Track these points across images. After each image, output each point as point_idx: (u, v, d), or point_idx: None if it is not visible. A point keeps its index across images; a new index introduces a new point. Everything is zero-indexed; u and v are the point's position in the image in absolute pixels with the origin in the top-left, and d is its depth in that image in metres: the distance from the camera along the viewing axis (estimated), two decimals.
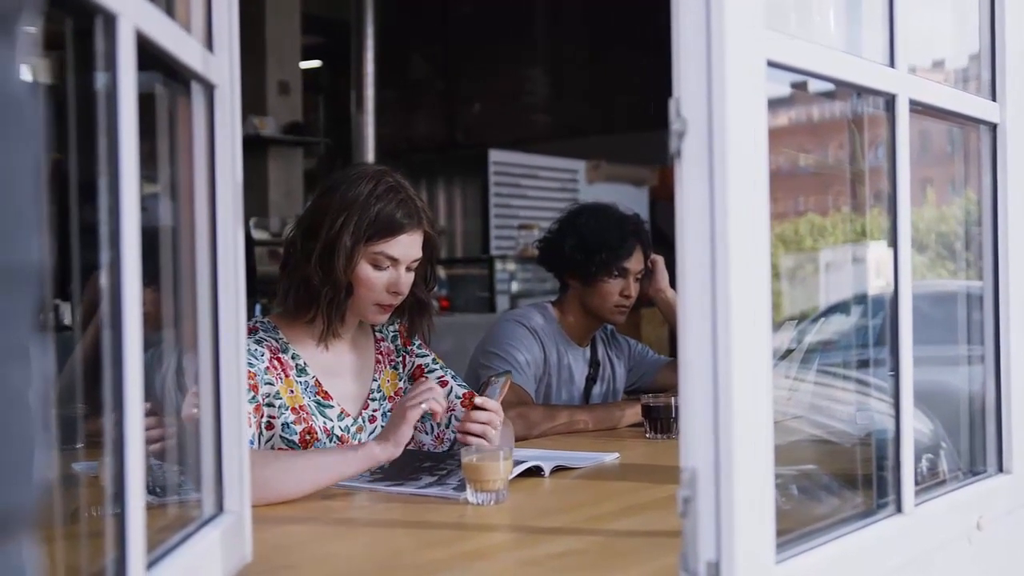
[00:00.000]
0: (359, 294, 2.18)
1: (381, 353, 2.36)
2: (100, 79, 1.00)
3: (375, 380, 2.32)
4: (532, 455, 2.14)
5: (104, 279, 0.99)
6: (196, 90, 1.32)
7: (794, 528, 1.32)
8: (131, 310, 1.00)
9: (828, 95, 1.71)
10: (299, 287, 2.18)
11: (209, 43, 1.33)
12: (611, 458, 2.32)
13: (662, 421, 2.62)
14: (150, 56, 1.09)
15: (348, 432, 2.23)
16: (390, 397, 2.33)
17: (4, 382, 0.53)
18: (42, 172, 0.56)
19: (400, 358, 2.38)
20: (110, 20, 0.98)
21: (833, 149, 2.05)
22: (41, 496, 0.57)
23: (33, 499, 0.56)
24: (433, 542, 1.64)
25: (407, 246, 2.18)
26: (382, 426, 2.26)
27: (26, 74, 0.57)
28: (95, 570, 1.04)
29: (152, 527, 1.06)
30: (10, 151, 0.52)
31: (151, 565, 1.07)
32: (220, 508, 1.35)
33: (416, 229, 2.19)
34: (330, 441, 2.18)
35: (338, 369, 2.26)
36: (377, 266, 2.17)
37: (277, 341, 2.20)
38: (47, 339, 0.59)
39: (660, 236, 6.21)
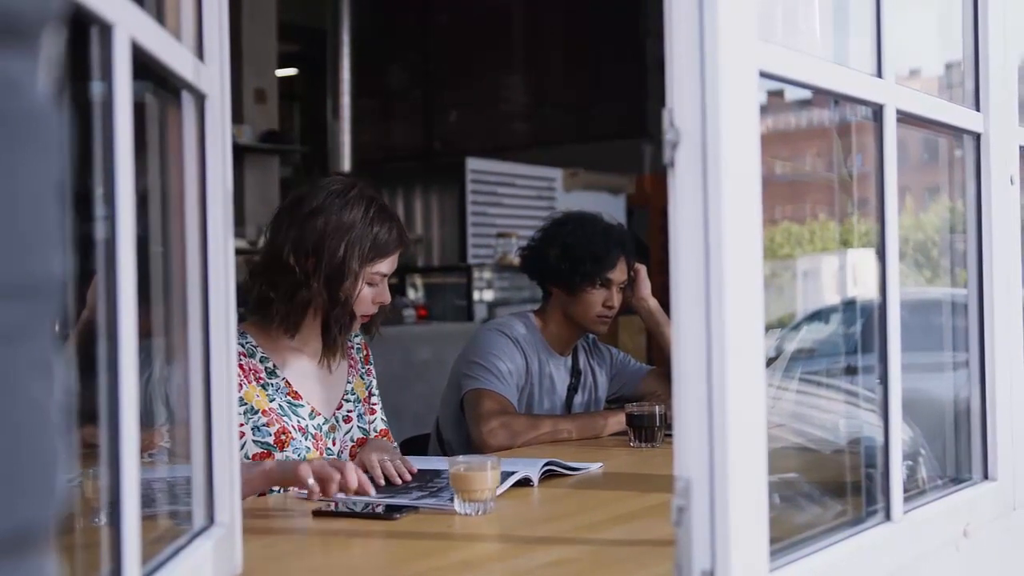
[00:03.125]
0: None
1: (352, 359, 2.45)
2: (95, 88, 0.99)
3: (349, 382, 2.40)
4: (518, 464, 2.13)
5: (99, 289, 0.98)
6: (186, 99, 1.31)
7: (786, 536, 1.33)
8: (126, 320, 0.99)
9: (803, 103, 1.72)
10: (299, 310, 2.24)
11: (200, 53, 1.33)
12: (596, 467, 2.32)
13: (646, 430, 2.63)
14: (141, 65, 1.08)
15: (321, 431, 2.29)
16: (363, 400, 2.42)
17: (28, 396, 0.53)
18: (64, 185, 0.56)
19: (365, 369, 2.49)
20: (106, 30, 0.97)
21: (810, 157, 2.06)
22: (63, 511, 0.57)
23: (56, 512, 0.56)
24: (422, 553, 1.63)
25: (394, 261, 2.31)
26: (358, 427, 2.38)
27: (48, 87, 0.56)
28: None
29: (143, 539, 1.05)
30: (34, 165, 0.52)
31: None
32: (211, 520, 1.34)
33: (403, 246, 2.32)
34: (305, 439, 2.24)
35: (310, 372, 2.33)
36: (371, 283, 2.27)
37: (243, 346, 2.24)
38: (66, 352, 0.59)
39: (637, 244, 6.22)
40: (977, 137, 1.80)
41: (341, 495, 1.98)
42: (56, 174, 0.55)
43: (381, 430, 2.45)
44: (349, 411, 2.38)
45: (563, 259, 2.95)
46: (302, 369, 2.31)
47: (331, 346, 2.29)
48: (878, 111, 1.51)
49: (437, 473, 2.16)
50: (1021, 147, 1.89)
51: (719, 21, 1.14)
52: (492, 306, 7.36)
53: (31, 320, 0.53)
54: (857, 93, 1.49)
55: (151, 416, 1.50)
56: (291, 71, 10.26)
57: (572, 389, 3.10)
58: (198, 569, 1.24)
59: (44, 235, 0.54)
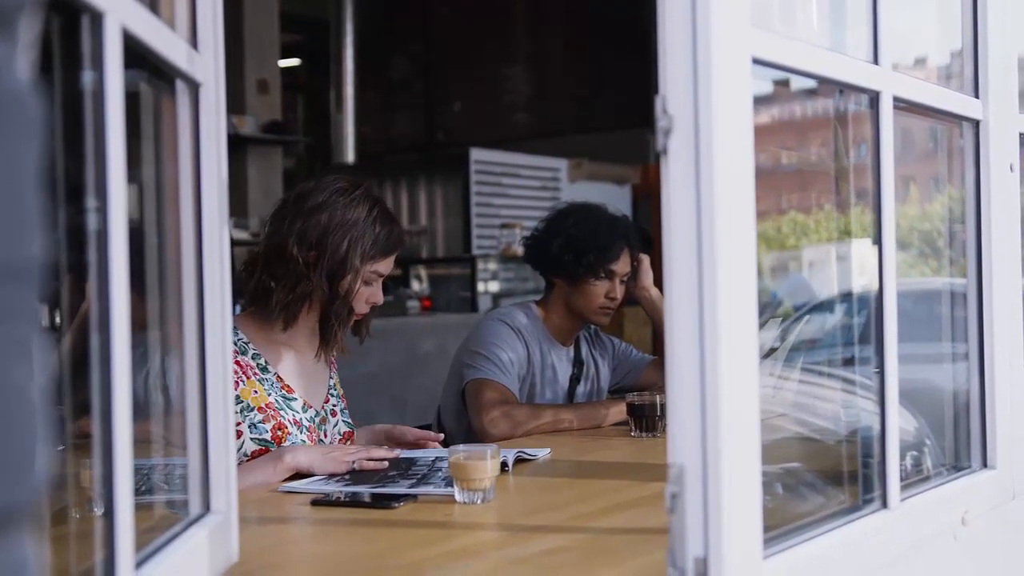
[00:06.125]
0: None
1: (332, 356, 2.47)
2: (86, 77, 0.99)
3: (331, 378, 2.45)
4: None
5: (91, 280, 0.99)
6: (181, 89, 1.31)
7: (781, 524, 1.33)
8: (118, 311, 0.99)
9: (809, 93, 1.71)
10: (299, 301, 2.27)
11: (194, 41, 1.33)
12: (543, 453, 2.34)
13: (647, 419, 2.63)
14: (134, 54, 1.08)
15: (313, 423, 2.33)
16: (341, 396, 2.47)
17: (7, 378, 0.53)
18: (42, 169, 0.56)
19: (337, 367, 2.53)
20: (97, 18, 0.97)
21: (815, 147, 2.06)
22: (44, 492, 0.58)
23: (36, 495, 0.56)
24: (420, 541, 1.64)
25: (391, 263, 2.35)
26: (343, 420, 2.43)
27: (26, 72, 0.56)
28: (83, 570, 1.04)
29: (138, 527, 1.05)
30: (13, 148, 0.52)
31: (139, 564, 1.07)
32: (207, 508, 1.35)
33: (401, 248, 2.36)
34: (300, 432, 2.27)
35: (298, 366, 2.36)
36: (367, 282, 2.30)
37: (235, 344, 2.25)
38: (47, 335, 0.59)
39: (641, 234, 6.20)
40: (976, 124, 1.79)
41: (342, 488, 1.98)
42: (35, 159, 0.55)
43: (345, 432, 2.45)
44: (334, 406, 2.43)
45: (566, 250, 2.95)
46: (291, 364, 2.34)
47: (329, 340, 2.31)
48: (874, 98, 1.50)
49: (412, 461, 2.18)
50: (1021, 134, 1.88)
51: (711, 7, 1.14)
52: (496, 297, 7.36)
53: (11, 303, 0.53)
54: (853, 80, 1.48)
55: (152, 408, 1.50)
56: (294, 61, 10.25)
57: (575, 379, 3.10)
58: (194, 557, 1.24)
59: (23, 219, 0.54)
